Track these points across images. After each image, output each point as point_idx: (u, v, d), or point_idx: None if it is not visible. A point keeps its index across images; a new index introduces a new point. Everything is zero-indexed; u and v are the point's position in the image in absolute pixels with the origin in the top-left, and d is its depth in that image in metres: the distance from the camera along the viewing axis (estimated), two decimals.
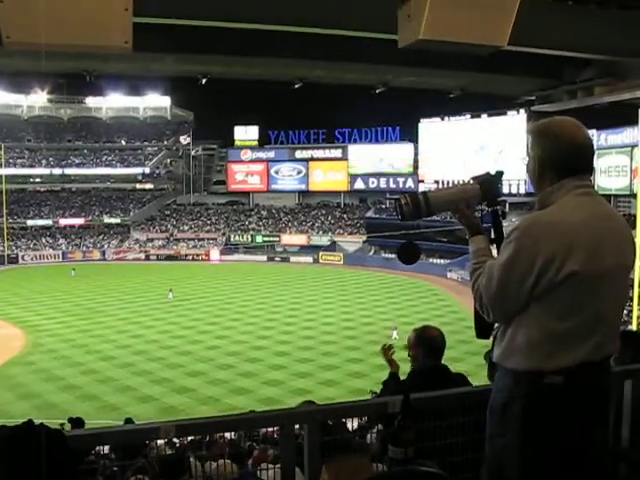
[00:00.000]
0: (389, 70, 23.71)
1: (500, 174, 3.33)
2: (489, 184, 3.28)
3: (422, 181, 80.00)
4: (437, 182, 75.26)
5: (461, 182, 3.56)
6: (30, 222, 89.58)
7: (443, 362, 5.25)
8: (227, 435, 10.92)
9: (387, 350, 6.17)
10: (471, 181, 3.30)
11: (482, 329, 3.20)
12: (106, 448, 6.24)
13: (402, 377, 5.55)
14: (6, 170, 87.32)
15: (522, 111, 66.43)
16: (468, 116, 76.76)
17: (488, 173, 3.32)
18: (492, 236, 3.22)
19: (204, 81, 23.95)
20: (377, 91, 28.43)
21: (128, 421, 13.92)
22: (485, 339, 3.19)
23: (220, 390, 31.32)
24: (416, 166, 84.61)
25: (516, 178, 65.60)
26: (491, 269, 2.96)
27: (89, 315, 48.85)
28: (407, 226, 61.92)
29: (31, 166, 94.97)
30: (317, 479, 3.30)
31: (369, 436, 5.22)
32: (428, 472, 2.38)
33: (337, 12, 10.00)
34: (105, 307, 52.25)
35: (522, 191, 65.22)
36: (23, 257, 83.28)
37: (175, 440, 10.39)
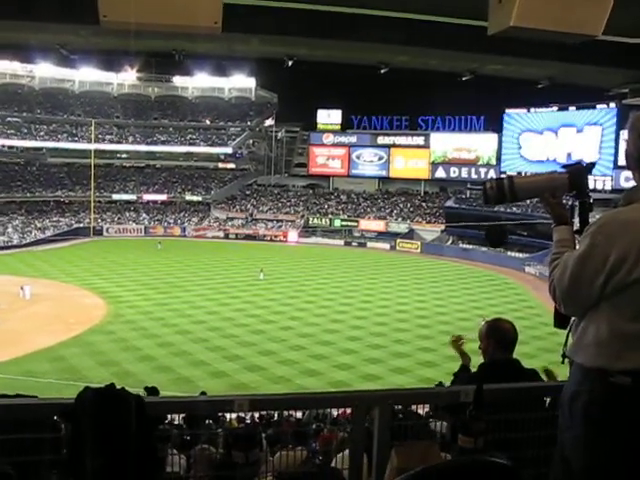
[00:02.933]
0: (476, 58, 23.28)
1: (592, 165, 3.24)
2: (579, 174, 3.19)
3: (504, 172, 78.59)
4: (520, 174, 73.72)
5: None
6: (115, 196, 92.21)
7: (515, 357, 5.15)
8: (295, 416, 11.04)
9: (457, 341, 6.10)
10: (561, 170, 3.23)
11: (559, 319, 3.14)
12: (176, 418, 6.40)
13: (473, 370, 5.49)
14: (95, 145, 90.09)
15: (612, 104, 64.36)
16: (555, 108, 74.70)
17: (580, 163, 3.23)
18: (577, 227, 3.14)
19: (290, 63, 23.95)
20: (464, 79, 27.94)
21: (202, 394, 14.19)
22: (562, 329, 3.13)
23: (291, 370, 31.64)
24: (499, 157, 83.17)
25: (602, 174, 63.78)
26: (567, 261, 2.88)
27: (167, 289, 50.09)
28: (487, 217, 61.27)
29: (118, 142, 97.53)
30: (385, 462, 3.32)
31: (437, 424, 5.18)
32: (498, 463, 2.36)
33: None
34: (183, 282, 53.46)
35: (608, 187, 63.11)
36: (107, 230, 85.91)
37: (243, 415, 10.60)
